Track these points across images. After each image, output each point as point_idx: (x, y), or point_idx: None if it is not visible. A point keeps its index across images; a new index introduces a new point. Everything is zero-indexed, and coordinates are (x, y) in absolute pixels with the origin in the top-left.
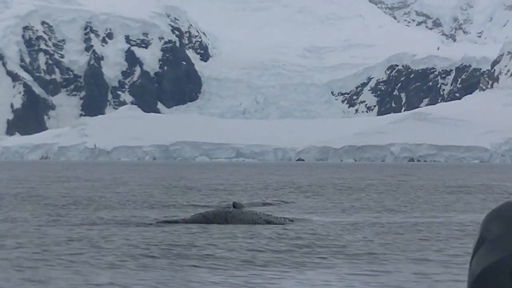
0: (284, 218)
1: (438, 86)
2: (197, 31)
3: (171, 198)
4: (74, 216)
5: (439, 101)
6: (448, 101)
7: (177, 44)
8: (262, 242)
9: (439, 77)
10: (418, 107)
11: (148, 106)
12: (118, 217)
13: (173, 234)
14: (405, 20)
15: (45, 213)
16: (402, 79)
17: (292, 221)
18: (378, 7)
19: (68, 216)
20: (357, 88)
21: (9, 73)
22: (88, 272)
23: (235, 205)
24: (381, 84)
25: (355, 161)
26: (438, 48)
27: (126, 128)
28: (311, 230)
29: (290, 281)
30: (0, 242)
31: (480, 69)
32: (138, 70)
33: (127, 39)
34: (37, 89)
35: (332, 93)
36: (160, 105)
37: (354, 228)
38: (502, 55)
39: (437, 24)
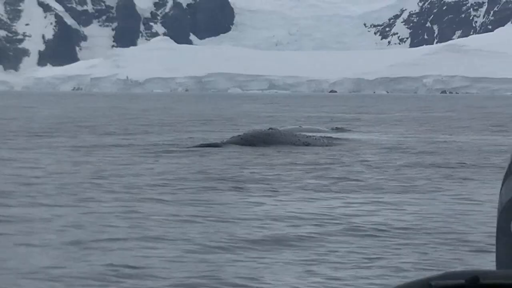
0: (323, 138)
1: (471, 18)
2: None
3: (207, 127)
4: (112, 141)
5: (471, 33)
6: (480, 33)
7: None
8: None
9: (471, 9)
10: (450, 39)
11: (180, 37)
12: (156, 142)
13: (211, 157)
14: None
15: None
16: (435, 11)
17: (330, 141)
18: None
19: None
20: (389, 20)
21: (40, 3)
22: (130, 198)
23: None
24: (413, 16)
25: (387, 92)
26: None
27: (159, 59)
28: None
29: None
30: None
31: None
32: (170, 1)
33: None
34: (69, 20)
35: (364, 25)
36: (192, 37)
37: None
38: None
39: None
